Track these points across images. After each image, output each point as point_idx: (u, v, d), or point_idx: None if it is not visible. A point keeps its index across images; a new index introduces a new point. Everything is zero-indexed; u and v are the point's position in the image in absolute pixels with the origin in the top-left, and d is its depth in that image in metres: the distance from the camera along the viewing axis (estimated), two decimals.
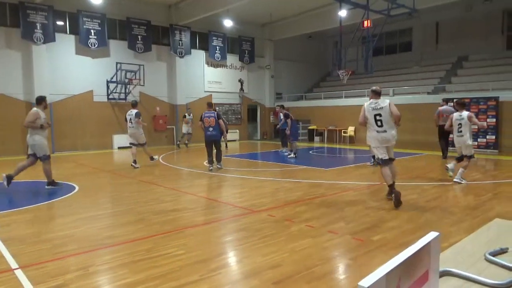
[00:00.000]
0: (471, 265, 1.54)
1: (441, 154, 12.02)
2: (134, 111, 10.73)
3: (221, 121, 9.82)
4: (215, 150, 10.01)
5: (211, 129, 9.76)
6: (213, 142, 9.91)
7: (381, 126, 6.00)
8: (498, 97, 13.79)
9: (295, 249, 4.07)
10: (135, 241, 4.40)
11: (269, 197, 6.85)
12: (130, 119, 10.70)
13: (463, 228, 4.72)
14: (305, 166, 10.73)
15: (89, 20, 15.85)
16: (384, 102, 6.02)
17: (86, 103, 16.15)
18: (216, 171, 9.73)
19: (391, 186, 6.02)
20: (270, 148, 16.57)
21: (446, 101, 12.82)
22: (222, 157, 10.39)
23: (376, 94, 6.17)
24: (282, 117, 13.10)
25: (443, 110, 11.73)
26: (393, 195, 5.87)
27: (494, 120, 13.84)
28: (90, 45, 15.92)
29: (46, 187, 7.65)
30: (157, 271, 3.50)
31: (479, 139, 14.20)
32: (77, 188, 7.76)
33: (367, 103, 6.19)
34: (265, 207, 5.94)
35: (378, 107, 6.00)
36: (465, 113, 7.71)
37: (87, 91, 16.19)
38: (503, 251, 1.66)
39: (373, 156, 10.29)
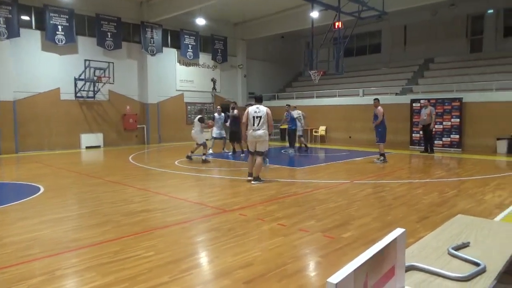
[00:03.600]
0: (435, 259, 1.58)
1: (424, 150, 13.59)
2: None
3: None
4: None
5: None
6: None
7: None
8: (462, 98, 14.36)
9: (266, 248, 4.08)
10: (103, 243, 4.28)
11: (241, 196, 6.83)
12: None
13: (428, 224, 4.88)
14: (277, 165, 10.78)
15: (56, 15, 15.30)
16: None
17: (53, 101, 15.59)
18: (189, 171, 9.61)
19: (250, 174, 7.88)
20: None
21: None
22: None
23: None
24: (294, 115, 13.43)
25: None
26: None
27: (458, 120, 14.41)
28: (57, 41, 15.37)
29: None
30: (126, 273, 3.41)
31: (443, 138, 14.76)
32: (42, 189, 7.47)
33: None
34: (237, 207, 5.93)
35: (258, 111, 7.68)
36: None
37: (54, 88, 15.62)
38: (464, 246, 1.72)
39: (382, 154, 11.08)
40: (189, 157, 11.60)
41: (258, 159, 7.80)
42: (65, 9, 15.51)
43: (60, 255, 3.92)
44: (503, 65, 16.29)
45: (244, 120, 7.92)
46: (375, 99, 11.50)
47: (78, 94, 16.21)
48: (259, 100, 8.10)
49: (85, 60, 16.17)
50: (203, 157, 11.30)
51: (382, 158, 11.13)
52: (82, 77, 16.07)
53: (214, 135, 13.84)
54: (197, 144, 11.54)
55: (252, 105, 8.12)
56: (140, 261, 3.72)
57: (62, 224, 5.08)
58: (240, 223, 5.03)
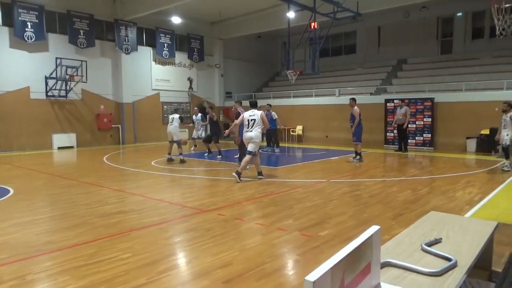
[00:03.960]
0: (409, 255, 1.63)
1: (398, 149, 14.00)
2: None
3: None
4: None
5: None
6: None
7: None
8: (434, 98, 14.80)
9: (245, 247, 4.08)
10: (77, 246, 4.17)
11: (219, 196, 6.81)
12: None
13: (402, 221, 5.01)
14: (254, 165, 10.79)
15: (25, 11, 14.79)
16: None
17: (22, 100, 15.06)
18: (166, 171, 9.50)
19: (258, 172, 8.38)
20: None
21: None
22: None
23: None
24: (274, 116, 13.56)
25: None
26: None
27: (430, 119, 14.84)
28: (26, 39, 14.86)
29: None
30: (101, 276, 3.35)
31: (416, 137, 15.17)
32: (11, 191, 7.22)
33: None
34: (215, 207, 5.91)
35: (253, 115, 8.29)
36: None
37: (23, 87, 15.10)
38: (437, 241, 1.78)
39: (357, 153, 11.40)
40: (170, 160, 11.42)
41: (246, 157, 8.27)
42: (34, 5, 15.02)
43: (31, 259, 3.80)
44: (471, 66, 16.89)
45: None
46: (351, 99, 11.67)
47: (49, 93, 15.73)
48: (254, 105, 8.73)
49: (57, 58, 15.70)
50: (181, 157, 11.20)
51: (358, 157, 11.32)
52: (54, 75, 15.60)
53: (193, 136, 14.44)
54: (171, 141, 11.46)
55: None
56: (116, 263, 3.65)
57: (34, 227, 4.92)
58: (218, 223, 5.01)
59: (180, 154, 11.28)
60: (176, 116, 11.54)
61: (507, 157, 9.41)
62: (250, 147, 8.25)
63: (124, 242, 4.28)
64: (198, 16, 20.39)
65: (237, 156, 10.45)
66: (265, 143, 13.66)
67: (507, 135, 9.22)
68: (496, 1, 8.53)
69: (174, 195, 7.01)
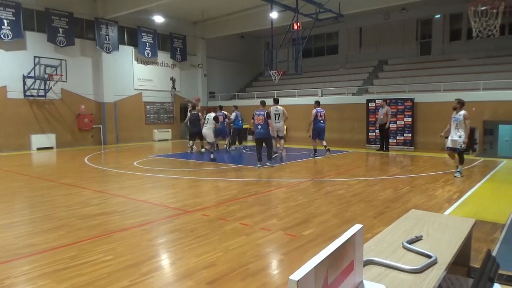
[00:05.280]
0: (391, 253, 1.66)
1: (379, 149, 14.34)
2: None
3: (270, 121, 10.14)
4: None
5: (259, 127, 10.04)
6: (262, 140, 10.21)
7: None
8: (414, 98, 15.09)
9: (229, 247, 4.08)
10: (58, 248, 4.09)
11: (203, 196, 6.79)
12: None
13: (384, 220, 5.09)
14: (238, 165, 10.80)
15: (1, 9, 14.42)
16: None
17: None
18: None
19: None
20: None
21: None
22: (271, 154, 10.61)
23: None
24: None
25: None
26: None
27: (410, 119, 15.13)
28: (2, 37, 14.48)
29: None
30: (83, 279, 3.29)
31: (397, 137, 15.44)
32: None
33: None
34: (199, 207, 5.88)
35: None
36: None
37: (0, 87, 14.70)
38: (418, 239, 1.82)
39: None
40: (202, 152, 12.72)
41: (281, 141, 11.56)
42: (11, 2, 14.64)
43: (10, 263, 3.71)
44: (449, 67, 17.29)
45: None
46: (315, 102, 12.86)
47: (28, 93, 15.36)
48: (277, 102, 11.39)
49: (35, 57, 15.34)
50: (203, 150, 12.67)
51: (314, 152, 12.45)
52: (32, 74, 15.24)
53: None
54: (206, 141, 12.45)
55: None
56: (98, 265, 3.60)
57: (12, 230, 4.80)
58: (202, 224, 4.99)
59: (204, 148, 12.59)
60: (211, 115, 12.12)
61: (461, 162, 8.45)
62: (280, 133, 11.69)
63: (106, 244, 4.22)
64: (180, 16, 20.24)
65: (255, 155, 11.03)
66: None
67: (460, 136, 8.26)
68: (473, 4, 8.77)
69: (158, 196, 6.94)
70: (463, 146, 8.29)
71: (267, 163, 10.14)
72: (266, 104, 10.59)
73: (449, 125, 8.60)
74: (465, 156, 12.36)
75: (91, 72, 17.59)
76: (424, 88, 16.00)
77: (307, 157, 12.42)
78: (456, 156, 8.61)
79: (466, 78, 15.54)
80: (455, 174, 8.47)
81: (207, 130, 12.03)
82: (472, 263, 2.16)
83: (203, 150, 12.79)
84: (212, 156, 11.56)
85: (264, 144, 10.24)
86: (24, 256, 3.88)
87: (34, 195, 7.03)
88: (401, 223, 2.11)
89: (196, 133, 12.88)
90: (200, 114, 12.99)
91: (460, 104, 8.53)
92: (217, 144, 14.23)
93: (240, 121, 15.17)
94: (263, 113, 10.06)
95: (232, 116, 14.74)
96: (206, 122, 12.17)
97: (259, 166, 10.00)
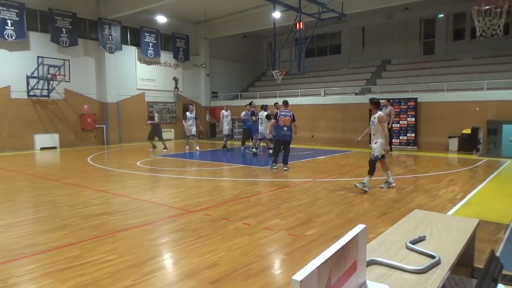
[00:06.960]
0: (394, 253, 1.65)
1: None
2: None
3: (295, 122, 9.80)
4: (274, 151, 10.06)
5: (285, 128, 9.44)
6: (285, 143, 9.62)
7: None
8: (417, 98, 15.04)
9: (232, 247, 4.08)
10: (61, 248, 4.10)
11: (206, 196, 6.79)
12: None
13: (387, 220, 5.08)
14: (241, 165, 10.80)
15: (5, 9, 14.47)
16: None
17: (2, 100, 14.73)
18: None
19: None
20: (206, 147, 16.43)
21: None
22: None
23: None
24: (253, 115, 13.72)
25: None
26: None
27: (413, 119, 15.08)
28: (6, 37, 14.54)
29: None
30: (86, 279, 3.30)
31: (400, 137, 15.39)
32: None
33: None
34: (202, 207, 5.88)
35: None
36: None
37: (4, 86, 14.78)
38: (421, 239, 1.81)
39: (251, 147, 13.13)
40: (255, 153, 12.92)
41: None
42: (15, 3, 14.71)
43: (13, 262, 3.72)
44: (453, 67, 17.23)
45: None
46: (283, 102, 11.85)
47: (31, 93, 15.42)
48: (287, 104, 9.94)
49: (38, 57, 15.41)
50: (254, 150, 13.00)
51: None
52: (35, 74, 15.30)
53: (226, 132, 14.70)
54: (261, 139, 12.87)
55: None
56: (101, 265, 3.60)
57: (16, 230, 4.82)
58: (205, 223, 4.99)
59: (255, 147, 13.07)
60: (264, 116, 12.30)
61: (371, 172, 6.86)
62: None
63: (109, 244, 4.23)
64: (183, 16, 20.27)
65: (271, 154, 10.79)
66: None
67: (375, 142, 6.94)
68: (476, 3, 8.72)
69: (160, 196, 6.95)
70: (375, 154, 6.89)
71: (285, 168, 9.51)
72: (265, 105, 10.51)
73: (368, 129, 7.40)
74: (469, 156, 12.38)
75: (94, 72, 17.64)
76: (428, 88, 15.95)
77: (307, 157, 12.40)
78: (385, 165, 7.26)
79: (469, 77, 15.48)
80: (362, 187, 6.83)
81: (264, 130, 12.41)
82: (475, 263, 2.15)
83: (254, 150, 12.99)
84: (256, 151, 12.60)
85: (282, 147, 9.61)
86: (27, 256, 3.89)
87: (38, 195, 7.06)
88: (404, 223, 2.10)
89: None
90: (226, 112, 14.25)
91: (374, 104, 6.91)
92: (225, 145, 14.52)
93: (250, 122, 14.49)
94: (289, 114, 9.47)
95: (242, 115, 14.31)
96: (260, 122, 12.60)
97: (275, 168, 9.54)
